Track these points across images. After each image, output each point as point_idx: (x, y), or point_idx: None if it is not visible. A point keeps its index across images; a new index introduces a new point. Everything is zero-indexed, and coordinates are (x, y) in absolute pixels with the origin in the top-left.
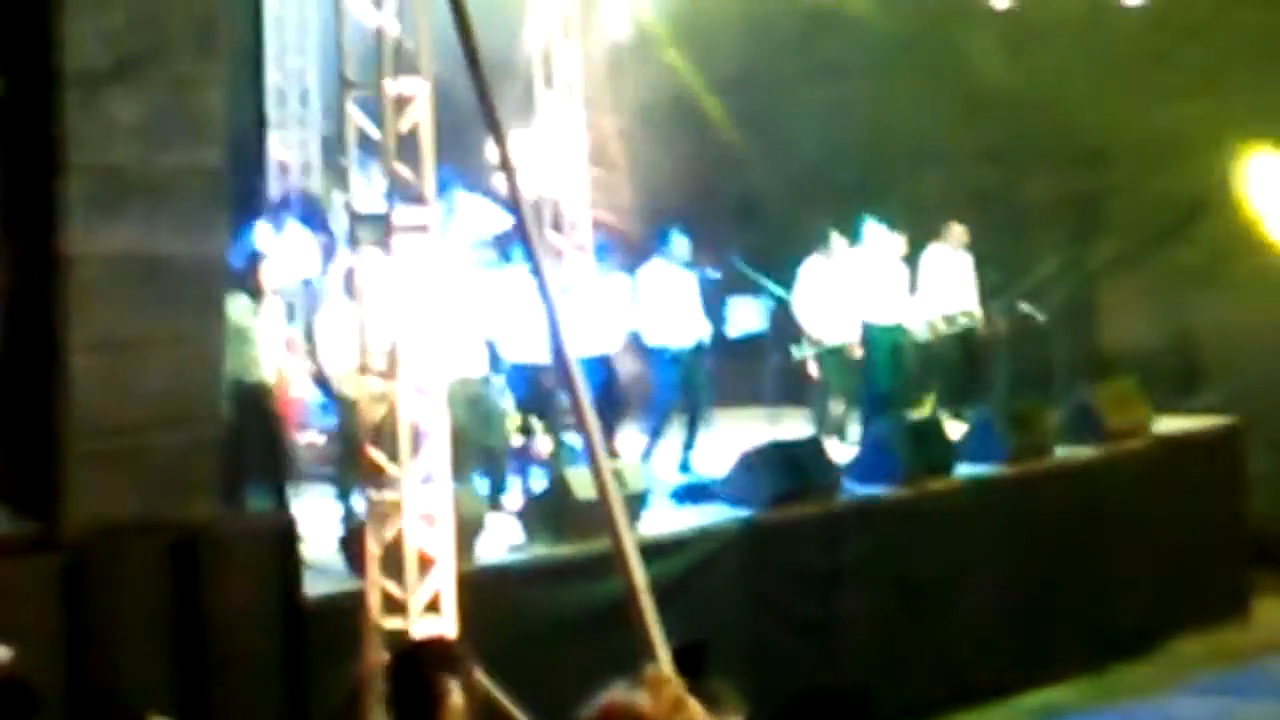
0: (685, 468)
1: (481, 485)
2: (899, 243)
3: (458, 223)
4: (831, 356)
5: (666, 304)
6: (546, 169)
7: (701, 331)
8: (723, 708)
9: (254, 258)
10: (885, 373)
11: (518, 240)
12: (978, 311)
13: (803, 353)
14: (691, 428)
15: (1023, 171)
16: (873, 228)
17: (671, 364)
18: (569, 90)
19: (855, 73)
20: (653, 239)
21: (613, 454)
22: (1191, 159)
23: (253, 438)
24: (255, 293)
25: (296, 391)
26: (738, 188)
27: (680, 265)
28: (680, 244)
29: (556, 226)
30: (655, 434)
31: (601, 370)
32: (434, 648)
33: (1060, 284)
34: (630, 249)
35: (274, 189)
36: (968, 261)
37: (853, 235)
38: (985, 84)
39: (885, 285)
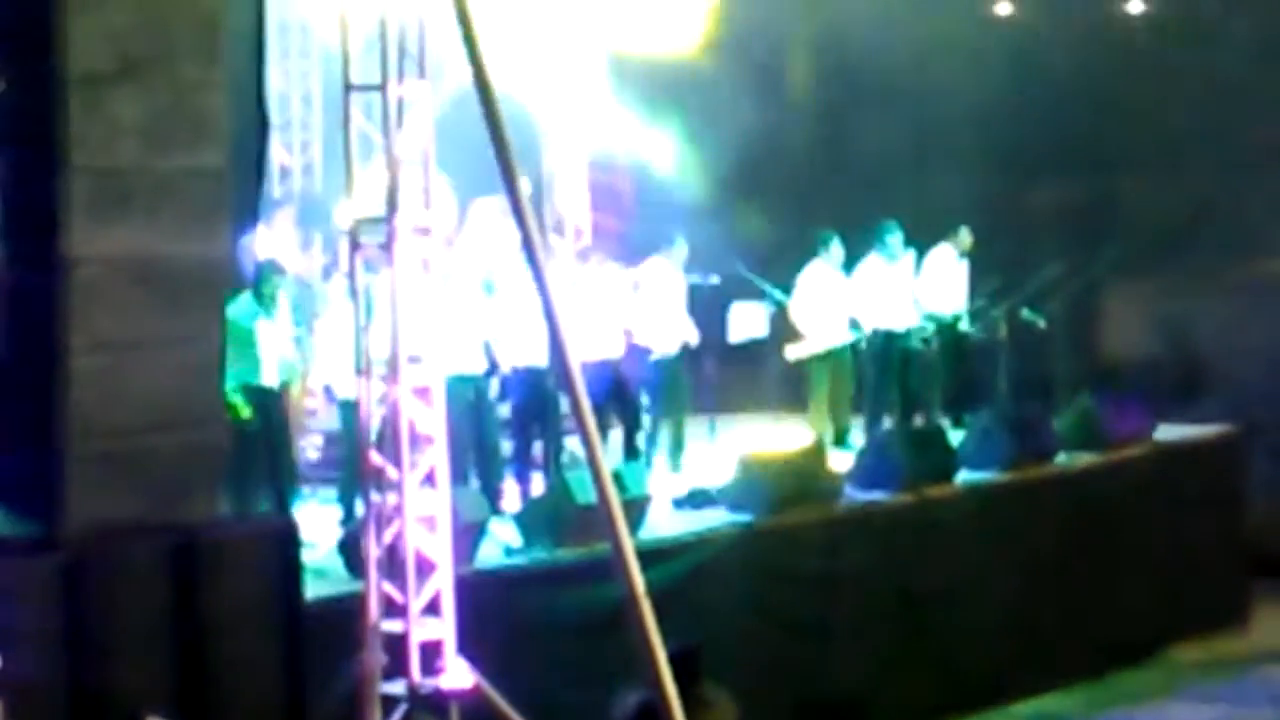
0: (677, 470)
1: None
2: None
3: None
4: (823, 361)
5: (660, 305)
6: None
7: (688, 336)
8: (715, 712)
9: (256, 260)
10: (885, 378)
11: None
12: (966, 317)
13: (796, 356)
14: (677, 430)
15: (1027, 177)
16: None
17: (656, 366)
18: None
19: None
20: (652, 239)
21: (631, 455)
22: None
23: (254, 440)
24: (259, 295)
25: (299, 394)
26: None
27: (678, 269)
28: (681, 247)
29: (557, 229)
30: (648, 438)
31: (608, 374)
32: None
33: (1062, 290)
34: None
35: (276, 191)
36: (964, 267)
37: (877, 241)
38: (991, 90)
39: (896, 291)
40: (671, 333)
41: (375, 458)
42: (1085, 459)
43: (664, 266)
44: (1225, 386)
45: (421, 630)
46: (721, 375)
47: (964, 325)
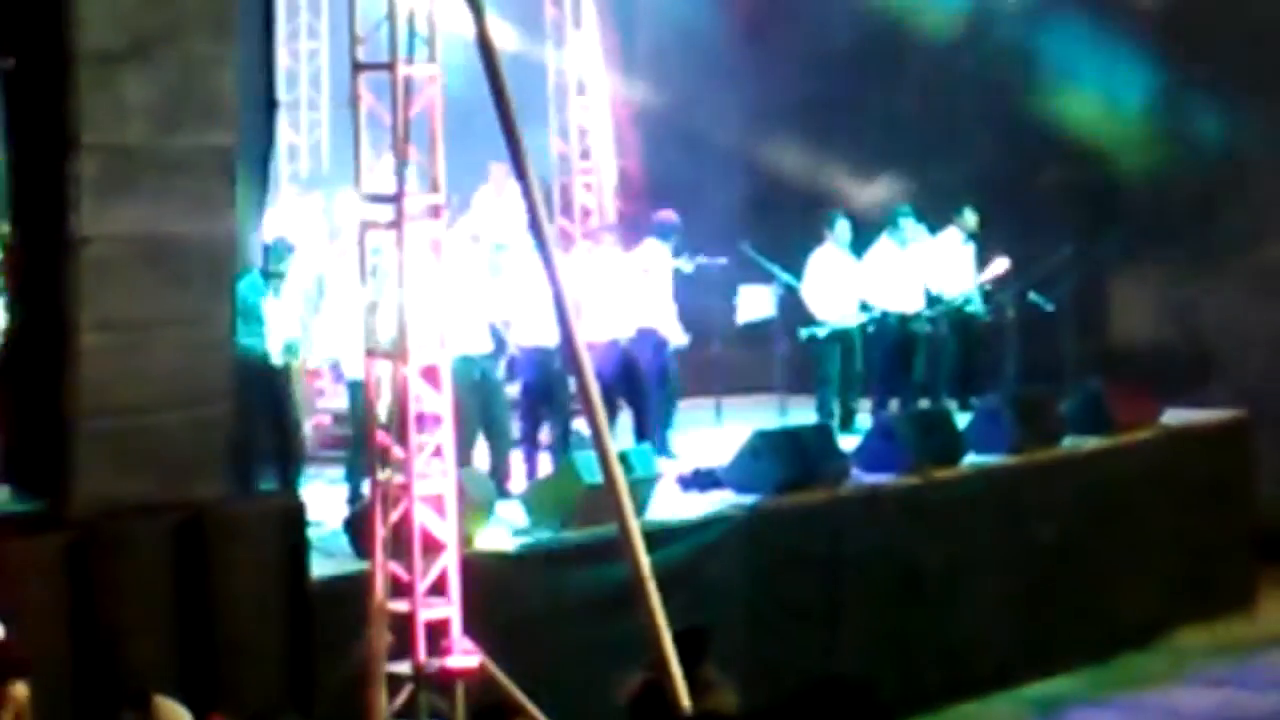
0: (666, 452)
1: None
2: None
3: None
4: (833, 343)
5: (655, 288)
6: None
7: (668, 318)
8: (714, 693)
9: (265, 238)
10: (893, 361)
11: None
12: (977, 298)
13: (806, 336)
14: (666, 408)
15: (1035, 162)
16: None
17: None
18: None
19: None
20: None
21: (644, 438)
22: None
23: (261, 419)
24: (267, 273)
25: (307, 372)
26: (750, 177)
27: (671, 252)
28: (676, 233)
29: (566, 212)
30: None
31: (617, 355)
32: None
33: (1070, 275)
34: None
35: (284, 170)
36: (971, 249)
37: (890, 224)
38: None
39: (906, 274)
40: (665, 315)
41: (381, 437)
42: (1092, 443)
43: (660, 251)
44: (1233, 371)
45: (427, 610)
46: (728, 357)
47: (972, 308)
